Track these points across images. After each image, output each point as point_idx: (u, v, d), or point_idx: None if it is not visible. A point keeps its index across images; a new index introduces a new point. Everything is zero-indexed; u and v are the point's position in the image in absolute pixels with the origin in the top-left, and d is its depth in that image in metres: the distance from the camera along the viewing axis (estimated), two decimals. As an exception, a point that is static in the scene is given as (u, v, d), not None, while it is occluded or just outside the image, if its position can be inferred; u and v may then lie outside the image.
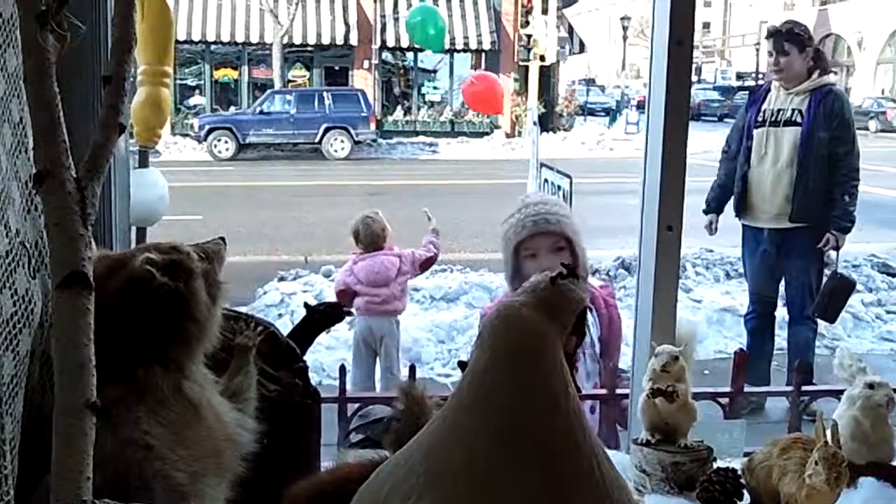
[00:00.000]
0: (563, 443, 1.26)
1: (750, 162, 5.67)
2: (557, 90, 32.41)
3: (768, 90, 5.74)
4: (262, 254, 10.83)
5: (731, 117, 40.76)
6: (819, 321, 6.04)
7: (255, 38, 29.06)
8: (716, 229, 6.12)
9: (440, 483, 1.24)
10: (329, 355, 6.79)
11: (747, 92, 5.90)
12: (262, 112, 25.54)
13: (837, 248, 5.69)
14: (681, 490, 1.92)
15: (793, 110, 5.57)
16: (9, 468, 1.26)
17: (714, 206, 6.05)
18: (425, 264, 6.26)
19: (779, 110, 5.62)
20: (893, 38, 36.68)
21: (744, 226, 5.99)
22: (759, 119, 5.67)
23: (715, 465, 1.94)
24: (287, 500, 1.53)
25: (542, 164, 8.20)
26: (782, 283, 6.03)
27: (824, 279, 5.77)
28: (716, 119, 38.44)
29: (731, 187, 5.83)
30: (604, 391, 2.51)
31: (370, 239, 6.08)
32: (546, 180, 7.72)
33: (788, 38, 5.60)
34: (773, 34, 5.70)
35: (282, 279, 9.16)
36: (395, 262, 6.06)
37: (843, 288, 5.79)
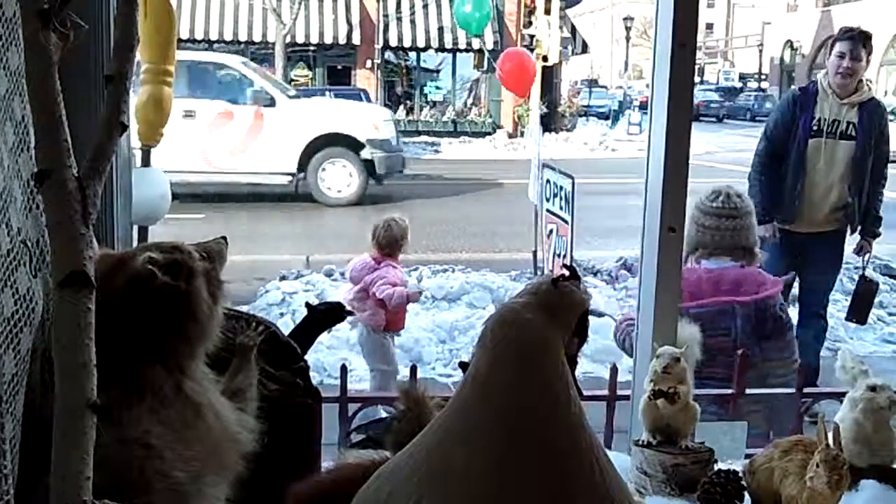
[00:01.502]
0: (564, 444, 1.25)
1: (805, 170, 5.54)
2: (560, 91, 32.41)
3: (816, 92, 5.57)
4: (264, 253, 10.82)
5: (731, 118, 40.73)
6: (827, 321, 6.10)
7: (257, 38, 29.06)
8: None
9: (441, 484, 1.24)
10: (330, 355, 6.80)
11: (791, 97, 5.58)
12: (264, 111, 25.52)
13: (869, 253, 5.90)
14: (682, 492, 1.92)
15: (847, 123, 5.52)
16: (9, 468, 1.25)
17: (771, 214, 5.64)
18: (378, 301, 5.84)
19: (835, 121, 5.52)
20: (897, 40, 36.79)
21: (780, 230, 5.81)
22: (815, 128, 5.54)
23: (716, 467, 1.94)
24: (288, 500, 1.53)
25: (544, 165, 8.19)
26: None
27: (838, 281, 5.81)
28: (715, 120, 38.39)
29: (778, 193, 5.60)
30: (606, 392, 2.50)
31: (386, 241, 5.91)
32: (548, 181, 7.72)
33: (866, 43, 5.50)
34: (852, 37, 5.52)
35: (283, 279, 9.16)
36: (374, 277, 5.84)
37: (871, 290, 6.11)
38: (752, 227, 3.52)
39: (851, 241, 5.98)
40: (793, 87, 5.97)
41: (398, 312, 5.96)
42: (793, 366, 3.29)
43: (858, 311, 6.15)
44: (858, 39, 5.50)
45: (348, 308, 2.11)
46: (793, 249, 5.75)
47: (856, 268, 6.40)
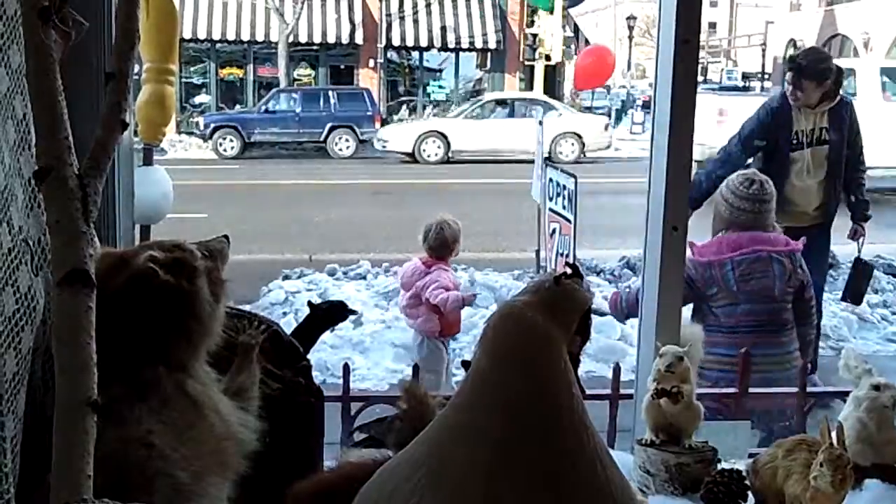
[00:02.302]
0: (566, 443, 1.25)
1: (788, 179, 5.71)
2: (563, 90, 32.39)
3: (790, 107, 5.74)
4: (267, 252, 10.82)
5: (729, 117, 40.73)
6: (821, 315, 6.16)
7: (260, 37, 29.08)
8: None
9: (442, 483, 1.23)
10: (333, 354, 6.80)
11: (766, 110, 5.74)
12: (267, 111, 25.54)
13: (863, 237, 6.03)
14: (685, 491, 1.91)
15: (820, 129, 5.74)
16: (9, 466, 1.25)
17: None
18: (433, 306, 5.63)
19: (811, 130, 5.73)
20: (900, 39, 36.66)
21: None
22: (794, 141, 5.75)
23: (719, 467, 1.93)
24: (290, 499, 1.53)
25: (547, 164, 8.17)
26: None
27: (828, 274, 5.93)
28: (716, 119, 38.30)
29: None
30: (609, 391, 2.50)
31: (438, 244, 5.68)
32: (551, 179, 7.70)
33: (806, 74, 5.60)
34: (792, 68, 5.69)
35: (286, 278, 9.16)
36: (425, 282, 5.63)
37: (866, 272, 6.33)
38: (773, 209, 4.17)
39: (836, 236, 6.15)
40: (766, 100, 6.02)
41: (453, 316, 5.75)
42: (813, 328, 4.32)
43: (853, 292, 6.40)
44: (799, 71, 5.62)
45: (351, 307, 2.11)
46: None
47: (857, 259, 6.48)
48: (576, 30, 29.82)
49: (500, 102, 24.94)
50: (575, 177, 7.10)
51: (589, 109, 33.04)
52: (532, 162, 9.05)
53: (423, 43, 29.95)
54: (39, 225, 1.47)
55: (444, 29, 29.65)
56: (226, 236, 1.63)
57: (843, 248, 6.86)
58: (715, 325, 3.89)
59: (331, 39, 29.55)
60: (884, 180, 13.88)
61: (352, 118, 25.14)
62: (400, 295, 5.99)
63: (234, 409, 1.52)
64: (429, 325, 5.67)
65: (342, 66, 30.57)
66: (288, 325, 1.89)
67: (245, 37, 29.06)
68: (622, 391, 2.37)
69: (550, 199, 7.67)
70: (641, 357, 2.24)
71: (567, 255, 6.97)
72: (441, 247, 5.69)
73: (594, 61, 13.20)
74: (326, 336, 2.08)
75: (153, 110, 2.92)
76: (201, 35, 28.43)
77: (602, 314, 7.20)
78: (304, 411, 1.76)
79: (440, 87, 31.40)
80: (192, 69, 29.34)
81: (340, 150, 24.89)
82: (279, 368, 1.73)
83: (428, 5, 29.77)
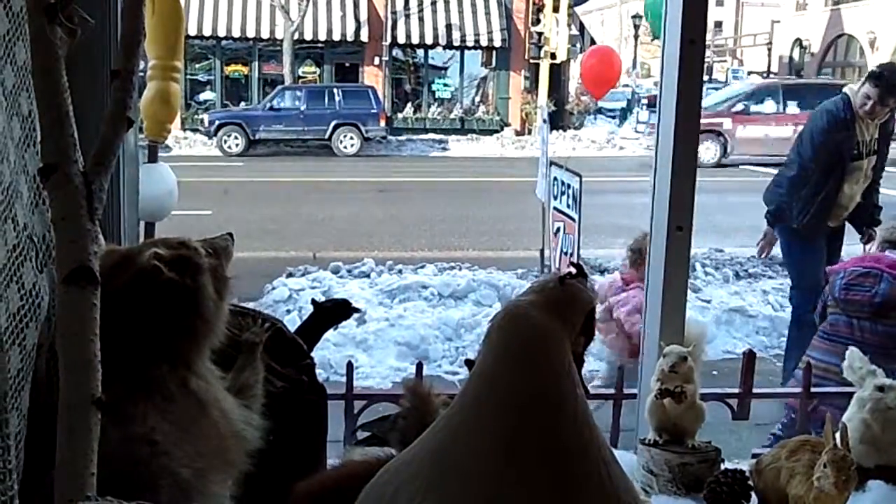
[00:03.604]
0: (570, 443, 1.25)
1: (843, 187, 5.88)
2: (568, 88, 32.35)
3: (853, 116, 5.81)
4: (271, 250, 10.83)
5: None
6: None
7: (265, 34, 29.08)
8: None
9: (446, 483, 1.23)
10: (337, 352, 6.80)
11: (832, 119, 5.87)
12: (272, 108, 25.56)
13: (873, 241, 6.12)
14: (688, 491, 1.91)
15: (874, 139, 5.91)
16: (13, 463, 1.25)
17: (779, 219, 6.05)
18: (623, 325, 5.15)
19: (869, 140, 5.88)
20: (906, 39, 36.54)
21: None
22: (855, 151, 5.86)
23: (723, 467, 1.93)
24: (293, 497, 1.53)
25: (552, 163, 8.16)
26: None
27: None
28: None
29: (807, 204, 5.89)
30: (612, 391, 2.50)
31: (634, 253, 5.19)
32: (556, 178, 7.69)
33: (893, 90, 5.70)
34: (879, 84, 5.70)
35: (290, 275, 9.17)
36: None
37: None
38: None
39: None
40: (827, 107, 5.99)
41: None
42: None
43: None
44: (889, 89, 5.69)
45: (355, 305, 2.10)
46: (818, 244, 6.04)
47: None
48: (581, 28, 29.71)
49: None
50: (580, 176, 7.10)
51: (599, 112, 32.98)
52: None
53: (429, 41, 29.92)
54: (44, 222, 1.47)
55: (449, 27, 29.62)
56: (230, 234, 1.63)
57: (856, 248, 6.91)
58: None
59: (336, 37, 29.53)
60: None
61: (356, 116, 25.16)
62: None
63: (238, 406, 1.52)
64: (618, 344, 5.21)
65: (347, 64, 30.56)
66: (292, 322, 1.89)
67: (250, 34, 29.06)
68: (626, 391, 2.37)
69: (555, 198, 7.66)
70: (645, 357, 2.24)
71: (571, 255, 6.97)
72: (637, 258, 5.12)
73: (597, 62, 13.26)
74: (330, 334, 2.08)
75: (158, 107, 2.92)
76: (206, 32, 28.44)
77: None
78: (307, 409, 1.76)
79: (445, 84, 31.37)
80: (197, 66, 29.35)
81: (345, 147, 24.90)
82: (283, 366, 1.73)
83: (433, 3, 29.75)
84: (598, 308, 5.22)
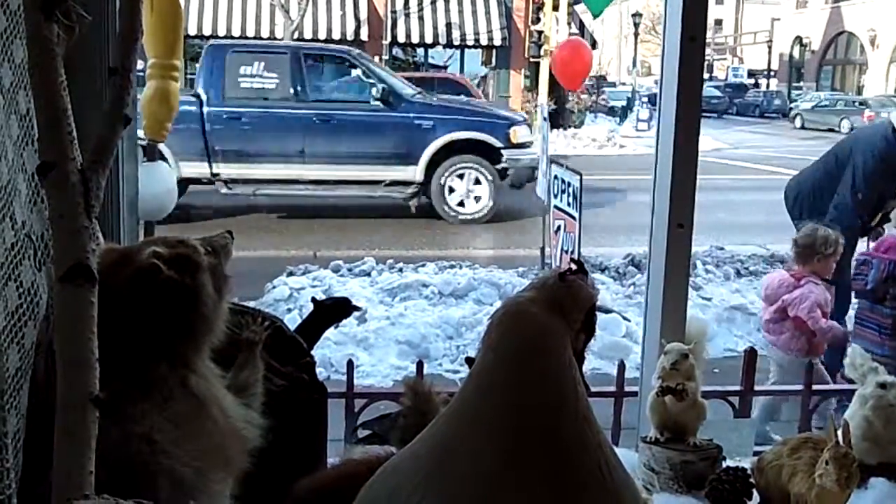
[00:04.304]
0: (570, 441, 1.24)
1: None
2: (568, 86, 32.31)
3: None
4: (271, 248, 10.82)
5: (729, 114, 40.69)
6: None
7: (265, 33, 29.04)
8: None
9: (445, 481, 1.23)
10: (337, 350, 6.79)
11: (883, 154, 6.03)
12: (272, 107, 25.56)
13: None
14: (689, 489, 1.91)
15: None
16: (10, 462, 1.25)
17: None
18: (801, 323, 4.97)
19: None
20: (907, 37, 36.54)
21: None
22: None
23: (724, 465, 1.93)
24: (293, 496, 1.52)
25: (552, 161, 8.15)
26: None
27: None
28: (716, 116, 38.23)
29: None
30: (613, 388, 2.49)
31: (806, 250, 5.01)
32: (556, 177, 7.69)
33: None
34: None
35: (290, 274, 9.15)
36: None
37: None
38: None
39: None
40: (883, 133, 6.09)
41: (823, 339, 5.02)
42: None
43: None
44: None
45: (355, 303, 2.10)
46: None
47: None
48: (581, 27, 29.69)
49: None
50: (580, 174, 7.09)
51: (596, 104, 32.95)
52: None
53: (429, 39, 29.91)
54: (43, 220, 1.46)
55: (449, 25, 29.60)
56: (229, 232, 1.62)
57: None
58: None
59: (335, 36, 29.50)
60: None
61: (357, 114, 25.12)
62: (762, 309, 5.42)
63: (238, 405, 1.52)
64: (794, 343, 5.00)
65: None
66: (292, 321, 1.88)
67: (250, 33, 29.01)
68: (627, 388, 2.37)
69: (555, 196, 7.66)
70: (646, 354, 2.24)
71: (572, 253, 6.96)
72: (806, 253, 4.97)
73: (568, 54, 13.26)
74: (330, 332, 2.08)
75: (157, 107, 2.92)
76: (206, 31, 28.43)
77: (607, 311, 7.21)
78: (307, 408, 1.76)
79: (445, 83, 31.35)
80: (196, 65, 29.33)
81: (346, 146, 24.87)
82: (283, 365, 1.73)
83: (433, 2, 29.74)
84: (770, 310, 5.11)
